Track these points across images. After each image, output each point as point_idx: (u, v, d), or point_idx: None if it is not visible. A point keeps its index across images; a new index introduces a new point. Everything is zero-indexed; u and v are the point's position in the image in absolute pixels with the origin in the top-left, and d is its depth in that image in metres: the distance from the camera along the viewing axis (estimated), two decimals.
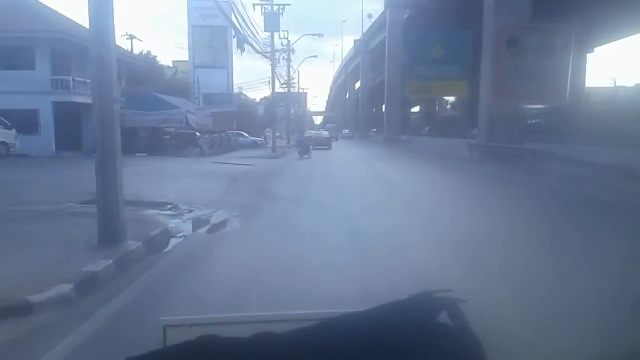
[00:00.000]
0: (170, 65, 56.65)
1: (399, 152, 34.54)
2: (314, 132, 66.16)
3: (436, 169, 22.78)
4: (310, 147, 31.05)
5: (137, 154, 27.02)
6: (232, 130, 39.18)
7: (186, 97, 41.66)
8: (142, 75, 35.26)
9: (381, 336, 1.06)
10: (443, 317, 1.11)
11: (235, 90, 69.76)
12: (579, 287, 4.97)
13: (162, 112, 28.80)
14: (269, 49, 33.83)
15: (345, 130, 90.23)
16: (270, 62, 34.04)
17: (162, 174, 17.40)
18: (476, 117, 28.53)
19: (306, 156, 28.92)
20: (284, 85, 49.45)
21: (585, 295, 4.70)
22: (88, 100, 16.56)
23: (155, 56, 38.03)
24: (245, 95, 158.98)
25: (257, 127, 55.03)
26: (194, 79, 66.27)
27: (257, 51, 34.88)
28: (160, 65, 38.15)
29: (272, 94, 35.00)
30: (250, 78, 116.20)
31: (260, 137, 43.17)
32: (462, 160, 25.18)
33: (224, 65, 69.23)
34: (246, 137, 41.96)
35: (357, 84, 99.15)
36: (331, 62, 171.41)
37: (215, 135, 34.08)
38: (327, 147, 37.50)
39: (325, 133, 49.10)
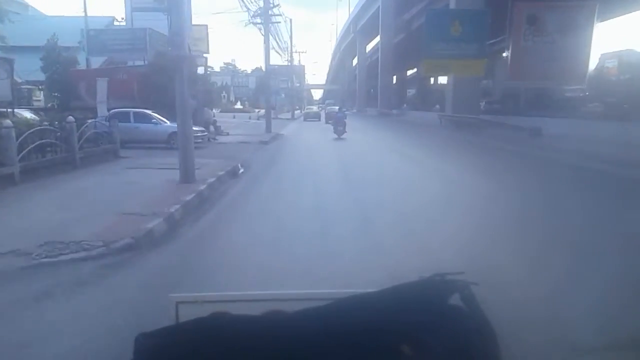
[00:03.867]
0: None
1: None
2: (314, 107, 58.02)
3: None
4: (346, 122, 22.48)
5: None
6: (101, 106, 14.74)
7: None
8: None
9: (392, 317, 1.02)
10: (455, 299, 1.04)
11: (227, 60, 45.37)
12: (594, 273, 4.40)
13: None
14: None
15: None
16: None
17: None
18: None
19: (344, 135, 21.73)
20: (258, 23, 24.86)
21: (600, 279, 4.21)
22: None
23: None
24: (234, 65, 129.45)
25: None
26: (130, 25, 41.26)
27: None
28: None
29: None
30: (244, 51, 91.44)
31: (202, 128, 18.67)
32: None
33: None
34: (158, 123, 17.30)
35: (370, 46, 74.07)
36: (333, 24, 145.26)
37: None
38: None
39: (334, 108, 35.65)
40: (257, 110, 63.40)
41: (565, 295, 3.94)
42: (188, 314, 1.09)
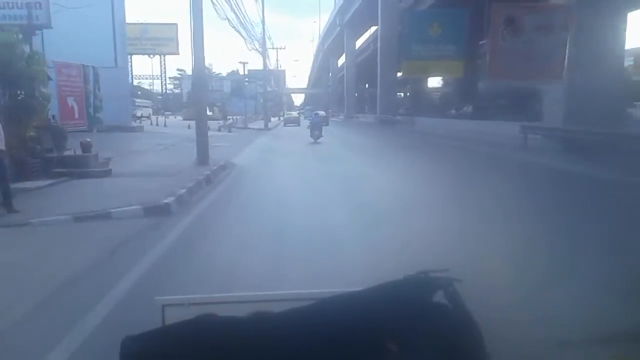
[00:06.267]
0: None
1: None
2: (294, 113, 56.79)
3: None
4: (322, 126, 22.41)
5: None
6: None
7: None
8: None
9: (378, 316, 1.01)
10: (439, 296, 1.03)
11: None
12: (576, 267, 4.29)
13: None
14: None
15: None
16: None
17: None
18: None
19: (320, 139, 21.33)
20: None
21: (582, 274, 4.05)
22: None
23: None
24: (209, 69, 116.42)
25: None
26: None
27: None
28: None
29: None
30: (223, 55, 78.16)
31: None
32: None
33: None
34: None
35: (360, 41, 61.80)
36: (315, 22, 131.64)
37: None
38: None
39: (322, 113, 28.81)
40: (228, 117, 50.76)
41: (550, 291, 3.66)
42: (174, 317, 1.05)
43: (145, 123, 43.32)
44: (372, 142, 23.74)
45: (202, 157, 12.02)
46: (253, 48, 31.67)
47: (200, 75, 12.28)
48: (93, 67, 13.77)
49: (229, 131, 30.67)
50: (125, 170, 11.14)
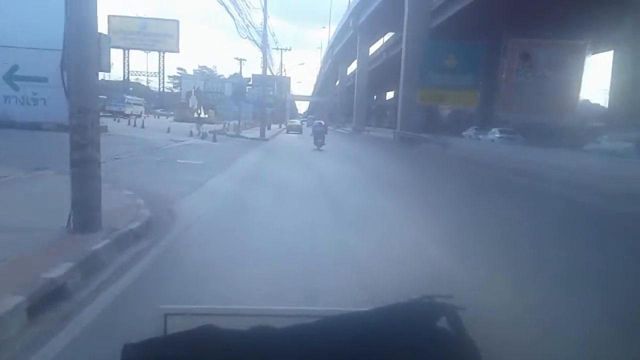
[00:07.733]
0: None
1: None
2: (297, 121, 54.98)
3: None
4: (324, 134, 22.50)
5: None
6: None
7: None
8: None
9: (380, 337, 0.98)
10: (442, 322, 1.00)
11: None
12: (578, 293, 4.06)
13: None
14: None
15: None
16: None
17: None
18: None
19: (322, 147, 21.72)
20: None
21: (585, 301, 3.86)
22: None
23: None
24: (210, 70, 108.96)
25: None
26: None
27: None
28: None
29: None
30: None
31: None
32: None
33: None
34: None
35: (374, 48, 55.38)
36: (324, 27, 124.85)
37: None
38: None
39: (322, 122, 24.92)
40: (226, 121, 44.03)
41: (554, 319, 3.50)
42: (176, 326, 1.04)
43: (124, 123, 36.67)
44: (404, 172, 16.93)
45: (85, 212, 5.22)
46: (247, 36, 24.90)
47: (84, 30, 5.35)
48: None
49: (214, 140, 23.93)
50: None
